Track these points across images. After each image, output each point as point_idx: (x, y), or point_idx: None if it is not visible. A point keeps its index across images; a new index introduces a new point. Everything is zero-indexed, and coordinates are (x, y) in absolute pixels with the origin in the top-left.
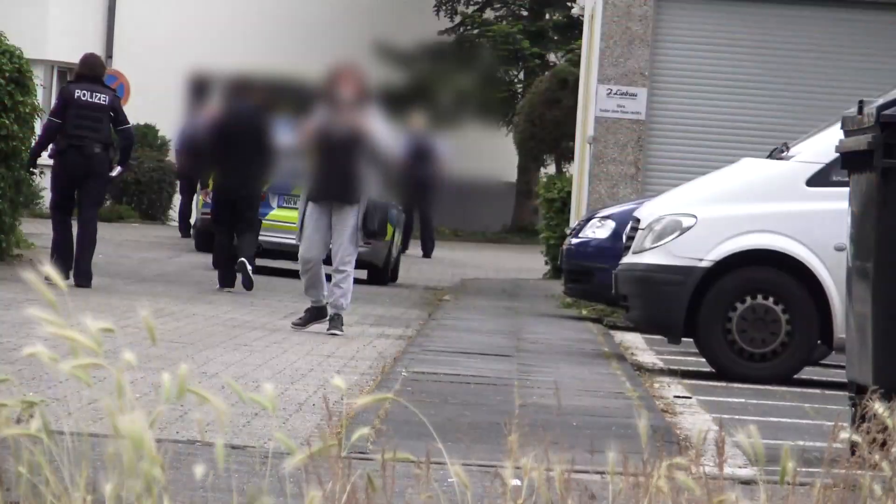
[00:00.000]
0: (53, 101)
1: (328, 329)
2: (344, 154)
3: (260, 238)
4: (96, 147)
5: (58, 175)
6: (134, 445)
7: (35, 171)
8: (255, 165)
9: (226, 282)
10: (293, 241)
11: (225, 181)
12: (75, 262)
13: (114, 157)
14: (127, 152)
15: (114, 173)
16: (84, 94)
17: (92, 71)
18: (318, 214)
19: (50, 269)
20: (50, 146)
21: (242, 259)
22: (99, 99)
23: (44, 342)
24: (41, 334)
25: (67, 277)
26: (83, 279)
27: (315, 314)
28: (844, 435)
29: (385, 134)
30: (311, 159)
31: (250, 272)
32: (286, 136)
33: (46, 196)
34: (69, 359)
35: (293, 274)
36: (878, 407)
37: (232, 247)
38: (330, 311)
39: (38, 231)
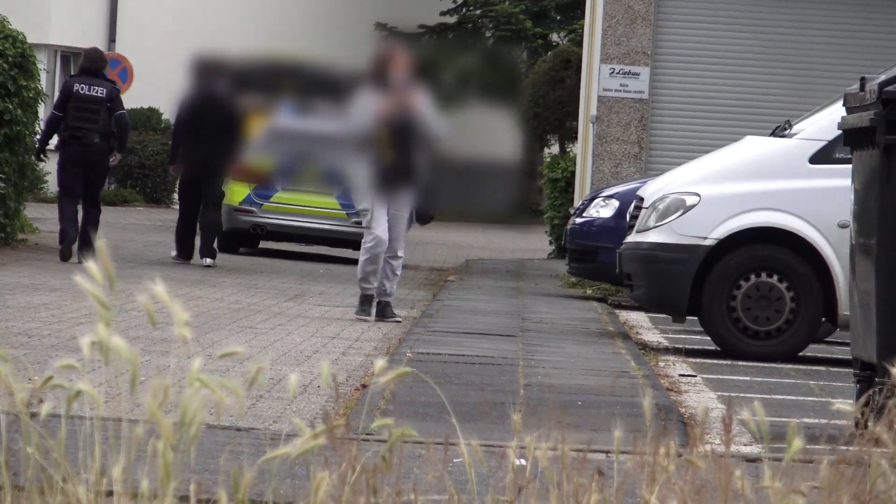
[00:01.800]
0: (57, 84)
1: (383, 318)
2: (400, 137)
3: (264, 220)
4: (95, 137)
5: (62, 164)
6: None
7: (44, 158)
8: (221, 145)
9: (183, 253)
10: (297, 223)
11: (192, 159)
12: (80, 240)
13: (114, 145)
14: (123, 138)
15: (113, 161)
16: (82, 88)
17: (93, 64)
18: (381, 202)
19: (91, 265)
20: (54, 137)
21: (209, 260)
22: (96, 92)
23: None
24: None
25: (71, 255)
26: (88, 252)
27: (371, 303)
28: (864, 416)
29: (434, 114)
30: (375, 144)
31: (213, 262)
32: (350, 121)
33: (50, 180)
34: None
35: (297, 256)
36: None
37: (195, 222)
38: (383, 299)
39: (42, 216)
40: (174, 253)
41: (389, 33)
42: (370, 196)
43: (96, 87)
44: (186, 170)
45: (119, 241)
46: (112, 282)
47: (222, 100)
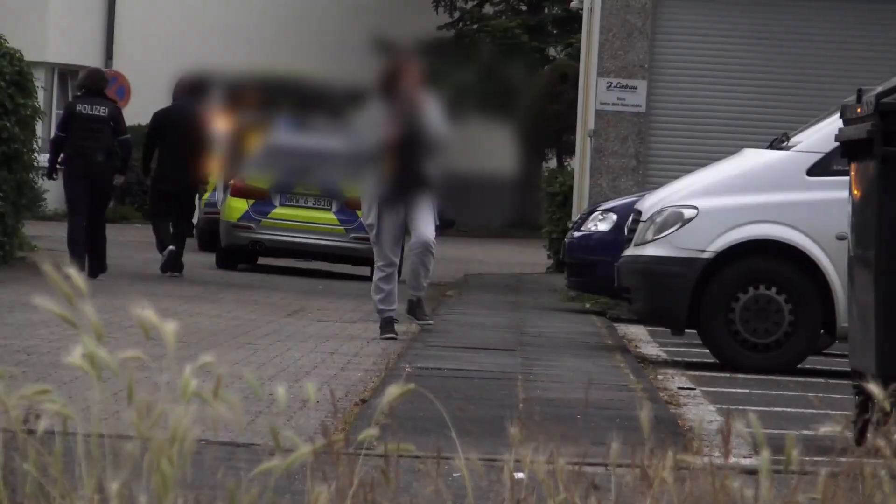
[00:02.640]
0: (55, 102)
1: (418, 317)
2: (412, 149)
3: (263, 236)
4: (99, 155)
5: (67, 181)
6: (177, 444)
7: (55, 177)
8: (192, 160)
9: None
10: (295, 239)
11: (165, 173)
12: (88, 256)
13: (117, 163)
14: (126, 161)
15: (116, 182)
16: (85, 108)
17: (95, 84)
18: (391, 216)
19: (72, 270)
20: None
21: (171, 248)
22: (99, 111)
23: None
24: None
25: (83, 270)
26: (96, 269)
27: (393, 324)
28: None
29: (438, 116)
30: (382, 159)
31: (175, 263)
32: (357, 134)
33: (49, 198)
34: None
35: (295, 272)
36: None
37: (169, 236)
38: (417, 294)
39: (41, 233)
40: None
41: (386, 48)
42: (376, 211)
43: (98, 107)
44: (159, 182)
45: (118, 258)
46: (70, 299)
47: (193, 114)
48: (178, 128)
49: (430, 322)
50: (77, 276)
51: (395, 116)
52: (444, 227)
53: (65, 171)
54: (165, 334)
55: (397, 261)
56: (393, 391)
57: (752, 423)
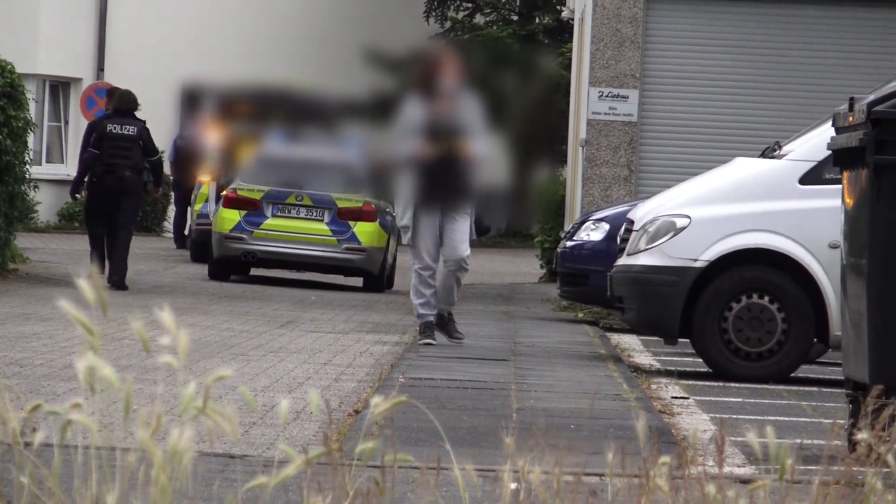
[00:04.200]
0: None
1: (451, 335)
2: (451, 150)
3: (255, 247)
4: (127, 171)
5: (95, 196)
6: (175, 459)
7: (78, 196)
8: (134, 170)
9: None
10: (288, 250)
11: (104, 181)
12: (111, 269)
13: (147, 180)
14: (158, 175)
15: (155, 194)
16: (115, 128)
17: (124, 105)
18: (428, 219)
19: (83, 283)
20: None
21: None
22: (128, 130)
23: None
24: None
25: (107, 281)
26: (118, 283)
27: (432, 328)
28: (862, 434)
29: (481, 131)
30: (419, 161)
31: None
32: (396, 133)
33: (41, 210)
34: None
35: (288, 283)
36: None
37: (104, 245)
38: (448, 310)
39: (33, 245)
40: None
41: (377, 59)
42: (411, 212)
43: (128, 126)
44: (95, 196)
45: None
46: (105, 308)
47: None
48: (113, 136)
49: (462, 337)
50: (101, 289)
51: (434, 118)
52: (480, 234)
53: (92, 186)
54: (180, 347)
55: (436, 265)
56: (381, 403)
57: (759, 433)
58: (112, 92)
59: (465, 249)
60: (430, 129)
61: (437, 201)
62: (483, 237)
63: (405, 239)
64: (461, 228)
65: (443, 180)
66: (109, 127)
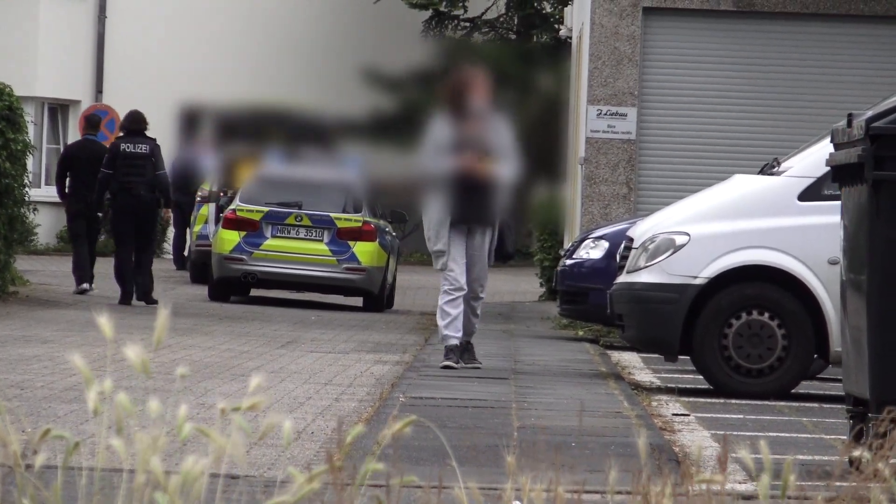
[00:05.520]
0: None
1: (464, 363)
2: (478, 177)
3: (255, 268)
4: (142, 189)
5: (115, 215)
6: (185, 484)
7: (100, 214)
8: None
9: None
10: (287, 271)
11: (75, 197)
12: (138, 285)
13: (160, 197)
14: (166, 194)
15: (164, 215)
16: (128, 147)
17: (135, 125)
18: (458, 238)
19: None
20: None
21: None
22: (141, 149)
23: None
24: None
25: (130, 296)
26: (147, 298)
27: (460, 351)
28: (859, 453)
29: (513, 151)
30: (449, 184)
31: (90, 287)
32: (424, 156)
33: (40, 233)
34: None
35: (288, 303)
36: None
37: (85, 256)
38: (464, 339)
39: (32, 268)
40: (86, 286)
41: (374, 78)
42: (446, 237)
43: (140, 145)
44: (71, 206)
45: (108, 289)
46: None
47: (98, 147)
48: (83, 159)
49: (478, 365)
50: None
51: (462, 137)
52: (504, 260)
53: (112, 206)
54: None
55: (465, 286)
56: (395, 424)
57: (761, 449)
58: (90, 118)
59: (481, 288)
60: (457, 148)
61: (465, 221)
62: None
63: (438, 265)
64: (480, 256)
65: (470, 200)
66: (123, 147)
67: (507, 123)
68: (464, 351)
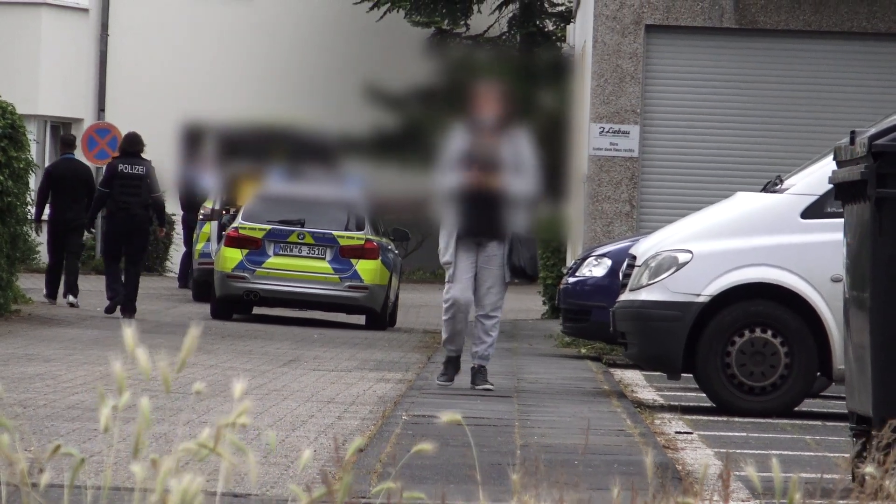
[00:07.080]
0: (47, 155)
1: (474, 384)
2: (491, 192)
3: (257, 286)
4: (138, 209)
5: (108, 232)
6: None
7: (93, 231)
8: (80, 204)
9: (52, 294)
10: (290, 289)
11: (57, 214)
12: (124, 299)
13: (153, 217)
14: (161, 215)
15: (161, 234)
16: (126, 168)
17: (132, 147)
18: (466, 253)
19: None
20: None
21: (72, 297)
22: (137, 170)
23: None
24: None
25: (115, 310)
26: (130, 312)
27: (455, 367)
28: (869, 468)
29: (532, 165)
30: (462, 196)
31: (75, 300)
32: (439, 167)
33: (42, 251)
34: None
35: (291, 321)
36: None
37: (61, 269)
38: (475, 362)
39: (35, 286)
40: (45, 293)
41: (377, 95)
42: (452, 250)
43: (137, 166)
44: (54, 224)
45: (99, 305)
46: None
47: (77, 166)
48: (68, 178)
49: (490, 388)
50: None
51: (476, 149)
52: (516, 276)
53: (105, 226)
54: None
55: (470, 301)
56: (418, 447)
57: (772, 467)
58: (65, 139)
59: (493, 306)
60: (469, 160)
61: (472, 235)
62: (521, 279)
63: (447, 276)
64: (492, 274)
65: (479, 214)
66: (120, 167)
67: (528, 139)
68: (476, 373)
